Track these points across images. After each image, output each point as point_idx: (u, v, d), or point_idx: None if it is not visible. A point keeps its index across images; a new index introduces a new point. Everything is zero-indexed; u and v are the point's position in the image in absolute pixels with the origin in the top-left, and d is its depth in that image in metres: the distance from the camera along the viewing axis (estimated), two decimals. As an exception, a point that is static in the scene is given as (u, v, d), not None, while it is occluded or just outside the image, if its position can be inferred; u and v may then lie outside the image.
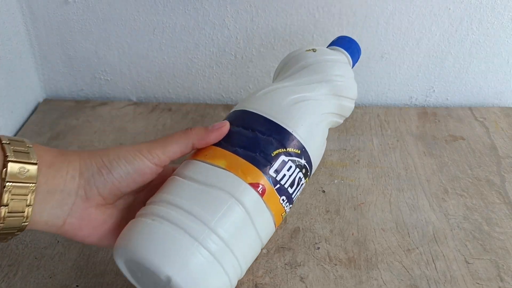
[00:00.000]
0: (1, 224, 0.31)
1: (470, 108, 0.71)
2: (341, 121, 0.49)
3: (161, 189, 0.37)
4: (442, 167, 0.59)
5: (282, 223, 0.50)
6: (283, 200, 0.38)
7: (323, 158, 0.60)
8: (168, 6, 0.65)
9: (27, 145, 0.33)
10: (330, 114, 0.46)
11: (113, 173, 0.35)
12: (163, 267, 0.32)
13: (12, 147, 0.32)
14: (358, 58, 0.54)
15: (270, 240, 0.48)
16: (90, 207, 0.35)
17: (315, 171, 0.57)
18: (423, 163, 0.59)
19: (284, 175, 0.38)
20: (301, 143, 0.40)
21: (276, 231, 0.49)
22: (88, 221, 0.35)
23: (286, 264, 0.46)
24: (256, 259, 0.46)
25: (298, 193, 0.41)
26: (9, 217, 0.31)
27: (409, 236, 0.49)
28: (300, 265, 0.46)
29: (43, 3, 0.65)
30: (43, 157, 0.33)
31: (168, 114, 0.69)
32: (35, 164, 0.32)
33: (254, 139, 0.39)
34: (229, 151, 0.38)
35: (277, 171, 0.38)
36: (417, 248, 0.48)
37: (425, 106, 0.73)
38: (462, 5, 0.64)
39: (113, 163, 0.35)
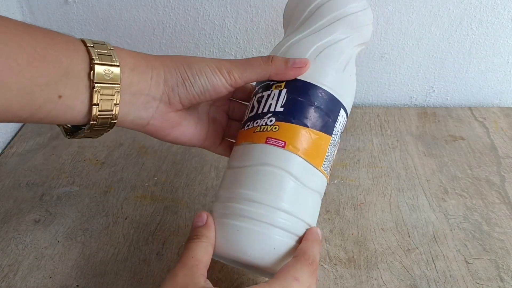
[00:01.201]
0: (94, 122, 0.34)
1: (470, 108, 0.71)
2: (364, 46, 0.48)
3: (232, 183, 0.39)
4: (442, 167, 0.59)
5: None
6: (247, 126, 0.40)
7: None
8: (168, 6, 0.65)
9: (109, 48, 0.35)
10: (355, 46, 0.44)
11: (194, 87, 0.37)
12: (251, 258, 0.36)
13: (96, 50, 0.34)
14: None
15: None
16: (171, 111, 0.39)
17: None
18: (423, 163, 0.59)
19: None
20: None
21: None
22: (168, 123, 0.39)
23: (286, 264, 0.46)
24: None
25: (270, 102, 0.40)
26: (100, 115, 0.34)
27: (409, 236, 0.49)
28: (300, 265, 0.46)
29: (43, 3, 0.65)
30: (126, 59, 0.35)
31: (168, 114, 0.69)
32: (118, 66, 0.34)
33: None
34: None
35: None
36: (417, 248, 0.48)
37: (425, 106, 0.73)
38: (462, 5, 0.64)
39: (196, 78, 0.37)
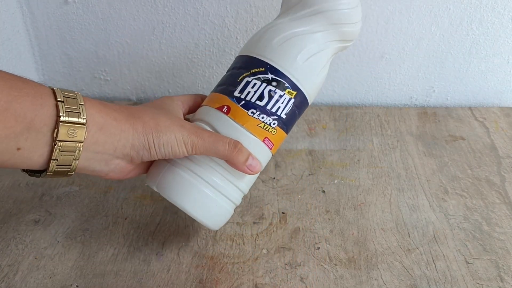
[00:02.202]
0: (51, 174, 0.35)
1: (470, 108, 0.71)
2: (348, 44, 0.47)
3: None
4: (442, 167, 0.59)
5: (282, 223, 0.50)
6: (252, 112, 0.42)
7: (323, 158, 0.60)
8: (168, 6, 0.65)
9: (79, 103, 0.35)
10: (331, 42, 0.45)
11: (158, 154, 0.39)
12: (178, 201, 0.42)
13: (65, 106, 0.34)
14: None
15: (270, 240, 0.48)
16: (131, 166, 0.41)
17: (316, 170, 0.57)
18: (423, 163, 0.59)
19: (249, 92, 0.43)
20: (265, 61, 0.43)
21: (275, 231, 0.49)
22: (126, 173, 0.41)
23: (286, 264, 0.46)
24: (256, 259, 0.46)
25: (279, 105, 0.43)
26: (58, 169, 0.35)
27: (409, 236, 0.49)
28: (300, 265, 0.46)
29: (43, 3, 0.65)
30: (94, 117, 0.36)
31: (168, 114, 0.68)
32: (84, 124, 0.34)
33: (228, 75, 0.45)
34: (212, 92, 0.46)
35: (241, 91, 0.43)
36: (417, 248, 0.48)
37: (425, 106, 0.73)
38: (462, 5, 0.64)
39: (162, 148, 0.39)
